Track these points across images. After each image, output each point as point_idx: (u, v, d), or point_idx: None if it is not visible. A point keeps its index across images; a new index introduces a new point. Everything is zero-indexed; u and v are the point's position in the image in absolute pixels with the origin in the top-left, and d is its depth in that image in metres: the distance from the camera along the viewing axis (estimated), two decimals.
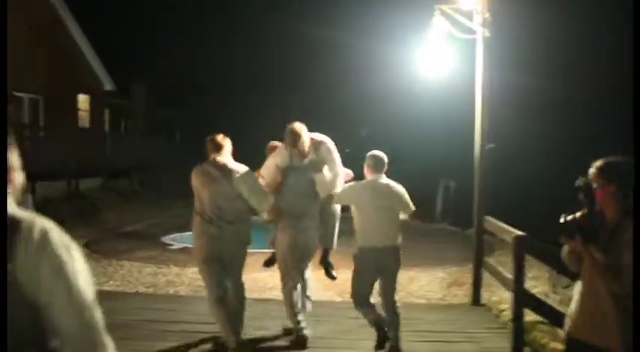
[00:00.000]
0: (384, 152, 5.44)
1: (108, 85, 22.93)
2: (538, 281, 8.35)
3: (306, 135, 5.59)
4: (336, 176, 5.59)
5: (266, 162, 5.86)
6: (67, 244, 1.70)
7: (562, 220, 3.13)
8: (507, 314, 6.60)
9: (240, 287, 5.36)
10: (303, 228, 5.48)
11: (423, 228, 17.28)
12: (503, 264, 8.07)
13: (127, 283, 9.03)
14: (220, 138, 5.31)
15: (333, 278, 6.27)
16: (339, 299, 7.90)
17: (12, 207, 1.67)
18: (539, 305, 5.96)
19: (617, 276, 2.89)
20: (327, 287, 7.95)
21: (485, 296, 7.79)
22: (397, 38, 14.91)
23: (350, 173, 5.95)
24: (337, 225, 6.03)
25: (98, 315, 1.71)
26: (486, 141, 7.55)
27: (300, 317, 5.62)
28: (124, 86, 25.95)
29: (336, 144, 5.85)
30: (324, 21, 28.56)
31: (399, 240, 5.38)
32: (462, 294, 8.74)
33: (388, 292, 5.39)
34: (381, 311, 5.42)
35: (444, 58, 7.59)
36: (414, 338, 5.93)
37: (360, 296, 5.33)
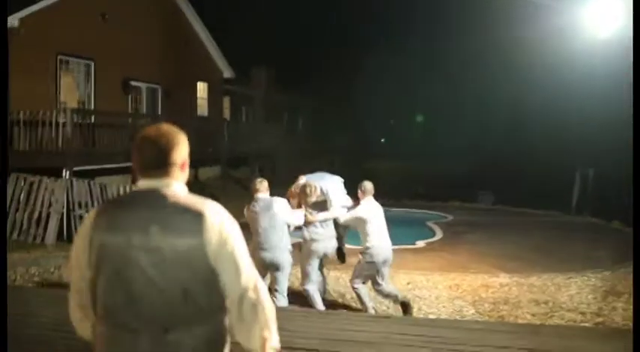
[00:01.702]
0: None
1: (227, 73, 22.68)
2: None
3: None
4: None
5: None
6: None
7: None
8: None
9: None
10: None
11: (562, 220, 15.61)
12: None
13: None
14: None
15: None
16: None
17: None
18: None
19: None
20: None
21: None
22: None
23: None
24: None
25: None
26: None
27: None
28: (243, 73, 25.73)
29: None
30: None
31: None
32: (621, 307, 7.22)
33: None
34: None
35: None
36: None
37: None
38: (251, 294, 2.06)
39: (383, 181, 21.89)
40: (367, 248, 6.86)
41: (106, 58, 15.32)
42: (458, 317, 6.89)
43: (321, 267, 7.21)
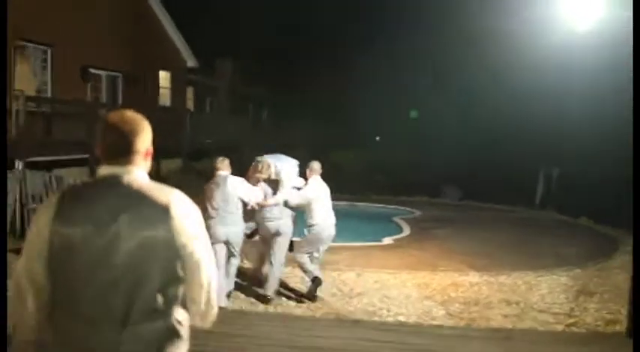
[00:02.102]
0: None
1: (190, 62, 22.09)
2: None
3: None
4: None
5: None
6: None
7: None
8: None
9: None
10: None
11: (527, 215, 15.59)
12: None
13: None
14: None
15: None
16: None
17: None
18: None
19: None
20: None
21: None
22: None
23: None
24: None
25: None
26: None
27: None
28: (208, 63, 25.15)
29: None
30: None
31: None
32: (593, 308, 7.07)
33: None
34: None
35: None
36: None
37: None
38: (208, 290, 2.09)
39: (347, 173, 21.76)
40: (312, 225, 7.24)
41: (64, 44, 14.65)
42: (428, 319, 6.62)
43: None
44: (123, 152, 2.05)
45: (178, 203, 2.02)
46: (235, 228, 6.83)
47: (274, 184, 7.25)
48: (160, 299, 1.98)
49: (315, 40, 30.74)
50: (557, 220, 14.92)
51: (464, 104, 27.01)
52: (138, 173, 2.07)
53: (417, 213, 15.15)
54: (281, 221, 7.14)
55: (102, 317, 1.94)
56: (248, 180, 7.20)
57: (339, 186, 19.34)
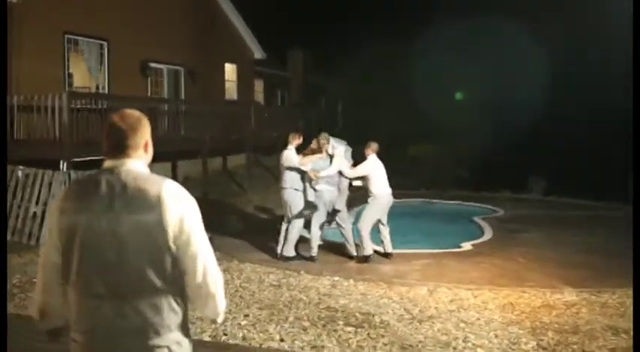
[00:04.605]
0: None
1: (258, 54, 21.31)
2: None
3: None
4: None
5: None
6: None
7: None
8: None
9: None
10: None
11: (626, 214, 13.78)
12: None
13: (239, 300, 6.91)
14: None
15: None
16: None
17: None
18: None
19: None
20: None
21: None
22: None
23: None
24: None
25: None
26: None
27: None
28: (278, 55, 24.37)
29: None
30: None
31: None
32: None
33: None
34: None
35: None
36: None
37: None
38: (204, 273, 2.21)
39: (423, 167, 20.39)
40: (374, 194, 8.64)
41: (121, 37, 14.08)
42: None
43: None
44: (120, 146, 2.26)
45: (169, 192, 2.21)
46: (287, 195, 8.78)
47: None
48: (158, 279, 2.17)
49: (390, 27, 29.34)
50: None
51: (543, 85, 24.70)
52: (134, 164, 2.27)
53: (500, 211, 13.64)
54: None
55: (105, 294, 2.17)
56: (311, 153, 8.88)
57: (416, 180, 18.31)
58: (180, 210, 2.18)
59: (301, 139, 9.03)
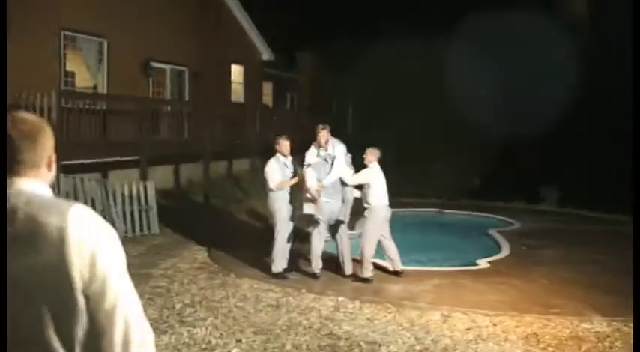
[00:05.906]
0: None
1: (266, 55, 20.69)
2: None
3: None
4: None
5: None
6: None
7: None
8: None
9: None
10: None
11: None
12: None
13: (231, 322, 6.24)
14: None
15: None
16: None
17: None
18: None
19: None
20: None
21: None
22: None
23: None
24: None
25: None
26: None
27: None
28: (287, 56, 23.73)
29: None
30: None
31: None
32: None
33: None
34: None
35: None
36: None
37: None
38: (124, 335, 1.58)
39: (435, 175, 19.60)
40: (371, 206, 7.93)
41: (122, 35, 13.48)
42: None
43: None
44: (20, 163, 1.64)
45: (75, 223, 1.58)
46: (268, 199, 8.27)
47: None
48: (56, 344, 1.56)
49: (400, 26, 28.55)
50: None
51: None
52: (28, 184, 1.64)
53: (517, 224, 12.86)
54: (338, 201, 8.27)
55: None
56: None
57: (427, 188, 17.59)
58: (90, 247, 1.58)
59: (288, 142, 8.16)
